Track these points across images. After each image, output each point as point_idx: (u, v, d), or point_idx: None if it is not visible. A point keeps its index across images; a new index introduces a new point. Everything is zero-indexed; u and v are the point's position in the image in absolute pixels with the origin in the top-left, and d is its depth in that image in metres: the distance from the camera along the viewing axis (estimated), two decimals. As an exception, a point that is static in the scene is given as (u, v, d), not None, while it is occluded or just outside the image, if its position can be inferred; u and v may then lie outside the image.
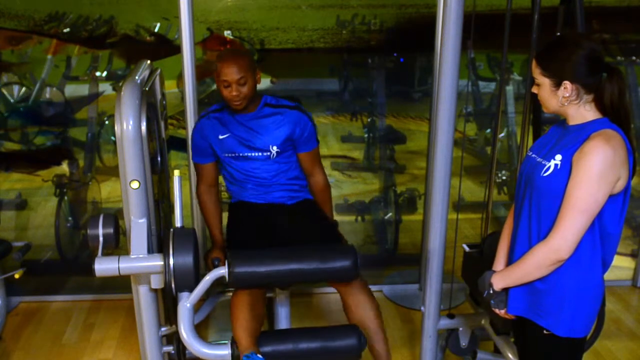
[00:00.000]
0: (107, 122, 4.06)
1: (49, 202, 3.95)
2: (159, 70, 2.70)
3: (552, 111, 1.90)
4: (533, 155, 1.97)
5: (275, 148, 2.60)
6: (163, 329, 2.44)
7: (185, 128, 3.11)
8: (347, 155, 4.33)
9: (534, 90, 1.92)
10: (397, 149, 4.21)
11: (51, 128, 4.02)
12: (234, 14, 3.82)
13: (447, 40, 2.20)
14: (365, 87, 4.26)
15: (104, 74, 3.96)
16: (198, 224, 3.25)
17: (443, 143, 2.33)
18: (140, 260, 2.16)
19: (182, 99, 3.10)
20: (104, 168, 4.13)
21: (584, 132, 1.82)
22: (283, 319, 2.69)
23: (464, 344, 2.71)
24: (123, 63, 3.97)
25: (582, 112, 1.85)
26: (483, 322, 2.66)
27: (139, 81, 2.25)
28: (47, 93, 4.00)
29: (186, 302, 2.22)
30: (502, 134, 4.34)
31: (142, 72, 2.42)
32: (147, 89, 2.35)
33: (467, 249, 2.65)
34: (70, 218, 3.91)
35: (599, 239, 1.85)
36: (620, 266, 3.82)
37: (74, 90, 4.02)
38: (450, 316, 2.67)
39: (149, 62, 2.61)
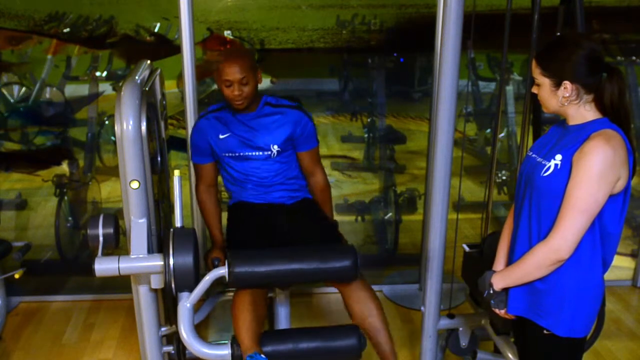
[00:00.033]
0: (107, 122, 4.06)
1: (49, 202, 3.95)
2: (159, 70, 2.70)
3: (552, 111, 1.90)
4: (533, 155, 1.97)
5: (276, 147, 2.61)
6: (163, 329, 2.44)
7: (185, 128, 3.11)
8: (347, 155, 4.33)
9: (534, 90, 1.92)
10: (397, 149, 4.21)
11: (51, 128, 4.02)
12: (234, 14, 3.82)
13: (447, 40, 2.19)
14: (365, 87, 4.26)
15: (104, 74, 3.96)
16: (198, 224, 3.25)
17: (443, 143, 2.33)
18: (140, 260, 2.16)
19: (182, 99, 3.10)
20: (104, 168, 4.13)
21: (584, 132, 1.82)
22: (283, 319, 2.69)
23: (464, 344, 2.71)
24: (123, 63, 3.97)
25: (582, 112, 1.85)
26: (483, 322, 2.66)
27: (139, 81, 2.25)
28: (47, 93, 4.00)
29: (186, 302, 2.21)
30: (502, 134, 4.34)
31: (142, 72, 2.42)
32: (147, 89, 2.35)
33: (467, 249, 2.65)
34: (70, 218, 3.91)
35: (599, 238, 1.85)
36: (620, 266, 3.82)
37: (74, 90, 4.02)
38: (450, 316, 2.67)
39: (149, 62, 2.61)
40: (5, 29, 3.71)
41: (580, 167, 1.77)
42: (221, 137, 2.61)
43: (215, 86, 4.07)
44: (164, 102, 2.79)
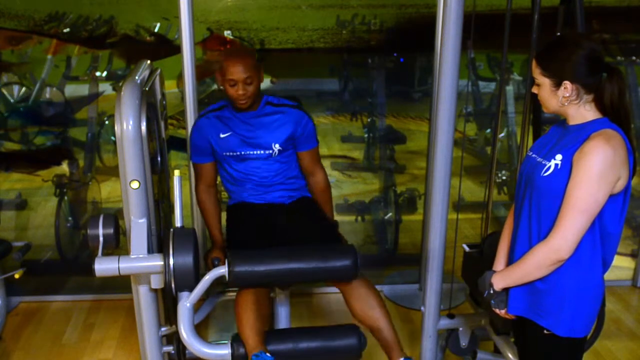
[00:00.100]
0: (107, 122, 4.06)
1: (49, 202, 3.95)
2: (159, 70, 2.70)
3: (552, 111, 1.90)
4: (533, 155, 1.97)
5: (277, 146, 2.61)
6: (163, 329, 2.44)
7: (185, 128, 3.10)
8: (347, 155, 4.33)
9: (534, 90, 1.92)
10: (397, 149, 4.21)
11: (51, 128, 4.02)
12: (234, 14, 3.82)
13: (447, 40, 2.19)
14: (365, 87, 4.27)
15: (104, 74, 3.96)
16: (198, 224, 3.25)
17: (443, 143, 2.33)
18: (140, 260, 2.16)
19: (182, 99, 3.10)
20: (104, 168, 4.13)
21: (584, 132, 1.82)
22: (283, 319, 2.69)
23: (464, 344, 2.71)
24: (123, 63, 3.97)
25: (582, 112, 1.85)
26: (483, 322, 2.66)
27: (139, 81, 2.25)
28: (47, 93, 4.00)
29: (186, 302, 2.21)
30: (502, 134, 4.34)
31: (142, 72, 2.42)
32: (147, 89, 2.35)
33: (467, 249, 2.65)
34: (70, 218, 3.91)
35: (599, 238, 1.85)
36: (620, 266, 3.82)
37: (74, 90, 4.02)
38: (450, 316, 2.67)
39: (149, 62, 2.61)
40: (5, 29, 3.71)
41: (580, 167, 1.77)
42: (222, 136, 2.61)
43: (215, 86, 4.07)
44: (164, 102, 2.79)
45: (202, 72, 3.90)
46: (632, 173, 1.84)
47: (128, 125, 2.09)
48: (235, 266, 2.24)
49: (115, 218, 2.26)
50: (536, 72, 1.87)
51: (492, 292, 2.01)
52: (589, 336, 2.03)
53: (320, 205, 2.77)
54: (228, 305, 3.02)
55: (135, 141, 2.11)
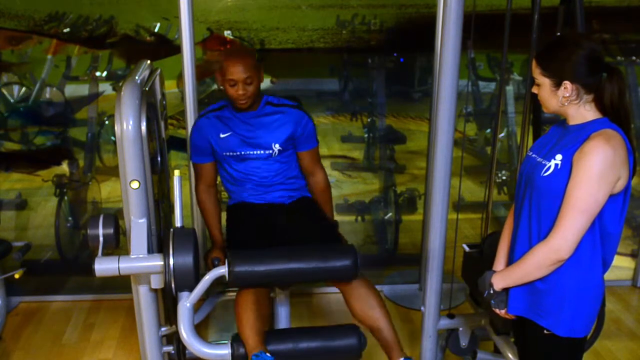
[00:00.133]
0: (107, 122, 4.06)
1: (49, 202, 3.95)
2: (159, 70, 2.70)
3: (552, 111, 1.90)
4: (533, 155, 1.97)
5: (277, 146, 2.61)
6: (163, 329, 2.44)
7: (185, 128, 3.10)
8: (347, 155, 4.33)
9: (534, 90, 1.92)
10: (397, 149, 4.21)
11: (51, 128, 4.02)
12: (234, 14, 3.82)
13: (447, 40, 2.19)
14: (365, 87, 4.26)
15: (104, 74, 3.96)
16: (198, 224, 3.25)
17: (443, 143, 2.33)
18: (140, 260, 2.16)
19: (182, 99, 3.10)
20: (104, 168, 4.13)
21: (584, 132, 1.83)
22: (283, 319, 2.69)
23: (464, 344, 2.71)
24: (123, 63, 3.97)
25: (582, 112, 1.85)
26: (483, 322, 2.66)
27: (139, 81, 2.25)
28: (47, 93, 4.00)
29: (186, 302, 2.21)
30: (502, 134, 4.34)
31: (142, 72, 2.42)
32: (147, 89, 2.35)
33: (467, 249, 2.65)
34: (70, 218, 3.91)
35: (599, 238, 1.85)
36: (620, 266, 3.82)
37: (74, 90, 4.02)
38: (450, 316, 2.67)
39: (149, 62, 2.61)
40: (5, 29, 3.71)
41: (580, 167, 1.77)
42: (222, 136, 2.61)
43: (215, 86, 4.07)
44: (164, 102, 2.79)
45: (202, 72, 3.90)
46: (632, 173, 1.84)
47: (128, 125, 2.09)
48: (235, 266, 2.24)
49: (115, 218, 2.26)
50: (536, 72, 1.87)
51: (492, 292, 2.01)
52: (589, 336, 2.03)
53: (320, 205, 2.76)
54: (228, 305, 3.02)
55: (135, 141, 2.11)
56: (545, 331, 1.93)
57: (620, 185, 1.80)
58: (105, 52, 3.91)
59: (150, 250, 2.20)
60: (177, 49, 3.04)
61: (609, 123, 1.83)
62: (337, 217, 2.91)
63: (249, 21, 3.82)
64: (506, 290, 2.00)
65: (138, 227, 2.19)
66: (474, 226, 3.72)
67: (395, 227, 3.98)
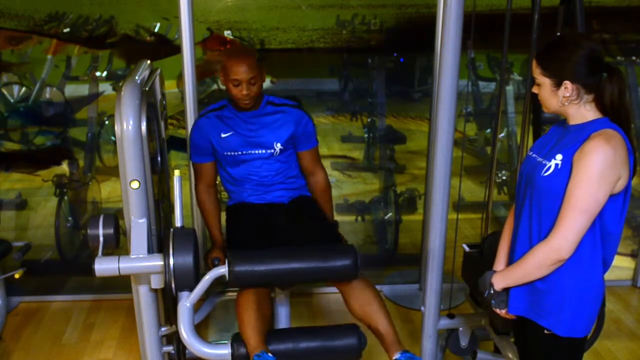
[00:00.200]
0: (107, 122, 4.06)
1: (49, 202, 3.95)
2: (159, 70, 2.70)
3: (553, 111, 1.90)
4: (533, 155, 1.97)
5: (279, 145, 2.62)
6: (163, 329, 2.44)
7: (185, 128, 3.11)
8: (347, 155, 4.33)
9: (535, 90, 1.92)
10: (397, 149, 4.21)
11: (51, 128, 4.02)
12: (234, 14, 3.82)
13: (447, 40, 2.19)
14: (365, 87, 4.27)
15: (104, 74, 3.96)
16: (198, 224, 3.25)
17: (443, 143, 2.33)
18: (140, 260, 2.16)
19: (182, 99, 3.10)
20: (104, 168, 4.13)
21: (585, 131, 1.83)
22: (283, 319, 2.69)
23: (464, 344, 2.71)
24: (123, 63, 3.97)
25: (583, 112, 1.85)
26: (483, 322, 2.66)
27: (139, 81, 2.25)
28: (47, 93, 4.00)
29: (186, 302, 2.21)
30: (502, 134, 4.34)
31: (142, 72, 2.42)
32: (147, 89, 2.35)
33: (467, 249, 2.65)
34: (70, 218, 3.91)
35: (600, 238, 1.85)
36: (620, 266, 3.82)
37: (74, 90, 4.02)
38: (450, 316, 2.67)
39: (149, 62, 2.61)
40: (5, 29, 3.71)
41: (580, 166, 1.77)
42: (223, 135, 2.61)
43: (215, 86, 4.07)
44: (164, 102, 2.79)
45: (202, 72, 3.90)
46: (633, 173, 1.84)
47: (128, 125, 2.09)
48: (235, 266, 2.24)
49: (115, 218, 2.26)
50: (536, 72, 1.88)
51: (492, 292, 2.01)
52: (589, 336, 2.03)
53: (319, 204, 2.77)
54: (228, 305, 3.02)
55: (135, 141, 2.11)
56: (545, 331, 1.93)
57: (620, 185, 1.80)
58: (105, 52, 3.91)
59: (150, 250, 2.20)
60: (177, 49, 3.04)
61: (609, 123, 1.83)
62: (337, 217, 2.91)
63: (249, 21, 3.82)
64: (506, 290, 2.00)
65: (138, 227, 2.19)
66: (474, 226, 3.72)
67: (395, 227, 3.98)
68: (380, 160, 4.23)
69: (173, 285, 2.17)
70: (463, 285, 2.90)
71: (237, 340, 2.29)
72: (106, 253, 2.20)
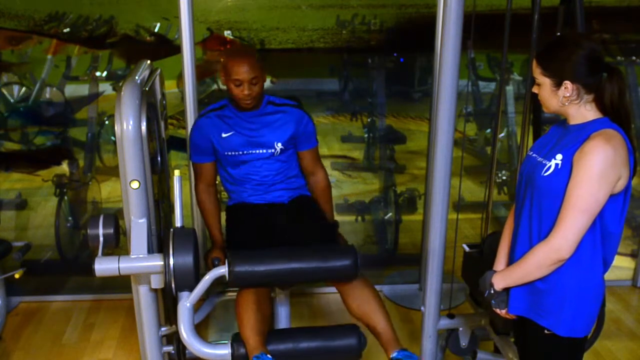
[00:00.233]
0: (107, 122, 4.06)
1: (49, 202, 3.95)
2: (159, 70, 2.70)
3: (553, 111, 1.91)
4: (533, 155, 1.97)
5: (280, 145, 2.62)
6: (163, 329, 2.44)
7: (185, 128, 3.11)
8: (347, 155, 4.33)
9: (535, 90, 1.92)
10: (397, 149, 4.21)
11: (51, 128, 4.02)
12: (234, 14, 3.82)
13: (447, 40, 2.19)
14: (365, 87, 4.27)
15: (104, 74, 3.96)
16: (198, 224, 3.25)
17: (443, 143, 2.33)
18: (140, 260, 2.16)
19: (182, 99, 3.10)
20: (104, 168, 4.13)
21: (585, 131, 1.83)
22: (283, 319, 2.69)
23: (464, 344, 2.71)
24: (123, 63, 3.97)
25: (583, 111, 1.86)
26: (483, 322, 2.66)
27: (139, 81, 2.25)
28: (47, 93, 4.00)
29: (186, 302, 2.21)
30: (502, 134, 4.34)
31: (142, 72, 2.42)
32: (147, 89, 2.35)
33: (467, 249, 2.65)
34: (70, 218, 3.91)
35: (600, 238, 1.85)
36: (620, 266, 3.82)
37: (74, 90, 4.02)
38: (450, 316, 2.67)
39: (149, 62, 2.61)
40: (5, 29, 3.71)
41: (580, 166, 1.77)
42: (224, 135, 2.61)
43: (215, 86, 4.07)
44: (164, 102, 2.79)
45: (202, 72, 3.90)
46: (633, 173, 1.84)
47: (128, 125, 2.09)
48: (236, 266, 2.24)
49: (115, 218, 2.26)
50: (537, 72, 1.88)
51: (492, 292, 2.01)
52: (589, 336, 2.03)
53: (319, 204, 2.77)
54: (228, 305, 3.02)
55: (135, 141, 2.11)
56: (545, 331, 1.93)
57: (620, 185, 1.80)
58: (105, 52, 3.91)
59: (150, 250, 2.20)
60: (177, 49, 3.03)
61: (610, 123, 1.83)
62: (337, 217, 2.91)
63: (249, 21, 3.82)
64: (507, 290, 2.00)
65: (138, 227, 2.19)
66: (474, 226, 3.72)
67: (395, 227, 3.98)
68: (380, 160, 4.23)
69: (173, 285, 2.17)
70: (463, 285, 2.90)
71: (237, 340, 2.29)
72: (106, 253, 2.20)
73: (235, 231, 2.63)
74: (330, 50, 3.94)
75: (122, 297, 3.53)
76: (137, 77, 2.27)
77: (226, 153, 2.63)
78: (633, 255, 3.84)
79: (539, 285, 1.91)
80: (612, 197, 1.80)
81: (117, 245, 2.26)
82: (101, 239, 2.21)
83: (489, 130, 4.49)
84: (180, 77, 3.14)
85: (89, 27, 3.80)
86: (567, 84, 1.81)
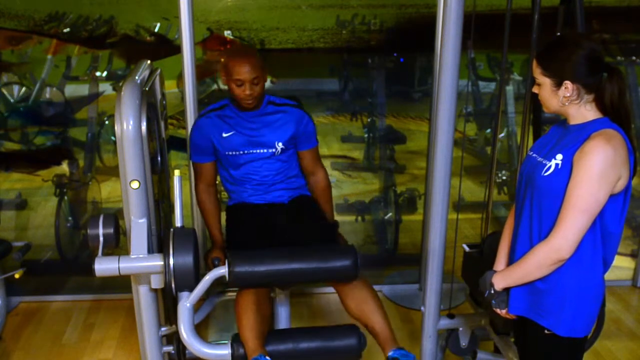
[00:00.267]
0: (107, 122, 4.06)
1: (49, 202, 3.95)
2: (159, 70, 2.70)
3: (553, 111, 1.91)
4: (534, 155, 1.97)
5: (280, 145, 2.62)
6: (163, 329, 2.44)
7: (185, 128, 3.11)
8: (347, 155, 4.33)
9: (535, 90, 1.92)
10: (397, 149, 4.21)
11: (51, 128, 4.02)
12: (234, 14, 3.82)
13: (447, 40, 2.19)
14: (365, 87, 4.27)
15: (104, 74, 3.96)
16: (198, 224, 3.25)
17: (443, 143, 2.33)
18: (140, 260, 2.16)
19: (182, 99, 3.10)
20: (104, 168, 4.13)
21: (585, 131, 1.83)
22: (283, 319, 2.69)
23: (464, 344, 2.71)
24: (123, 63, 3.97)
25: (583, 111, 1.86)
26: (483, 322, 2.66)
27: (139, 81, 2.25)
28: (47, 93, 4.00)
29: (186, 302, 2.21)
30: (502, 134, 4.34)
31: (142, 72, 2.42)
32: (147, 89, 2.35)
33: (467, 249, 2.65)
34: (70, 218, 3.91)
35: (600, 238, 1.85)
36: (620, 266, 3.82)
37: (74, 90, 4.02)
38: (450, 316, 2.67)
39: (149, 62, 2.61)
40: (5, 29, 3.71)
41: (581, 166, 1.77)
42: (224, 135, 2.61)
43: (215, 86, 4.07)
44: (164, 102, 2.79)
45: (202, 72, 3.90)
46: (633, 173, 1.84)
47: (128, 125, 2.09)
48: (235, 266, 2.24)
49: (115, 218, 2.26)
50: (537, 72, 1.88)
51: (492, 292, 2.01)
52: (589, 336, 2.03)
53: (319, 204, 2.77)
54: (228, 305, 3.02)
55: (135, 141, 2.11)
56: (546, 331, 1.93)
57: (620, 185, 1.80)
58: (105, 52, 3.91)
59: (150, 250, 2.20)
60: (177, 49, 3.04)
61: (610, 123, 1.83)
62: (337, 217, 2.91)
63: (249, 21, 3.82)
64: (507, 290, 2.00)
65: (138, 227, 2.19)
66: (474, 226, 3.72)
67: (395, 227, 3.98)
68: (380, 160, 4.23)
69: (173, 285, 2.17)
70: (463, 285, 2.90)
71: (237, 340, 2.29)
72: (106, 253, 2.20)
73: (235, 231, 2.63)
74: (330, 50, 3.94)
75: (122, 297, 3.53)
76: (137, 77, 2.27)
77: (227, 153, 2.63)
78: (633, 255, 3.84)
79: (539, 285, 1.91)
80: (612, 197, 1.80)
81: (117, 245, 2.26)
82: (101, 239, 2.21)
83: (489, 130, 4.49)
84: (180, 77, 3.15)
85: (89, 27, 3.80)
86: (567, 84, 1.81)
